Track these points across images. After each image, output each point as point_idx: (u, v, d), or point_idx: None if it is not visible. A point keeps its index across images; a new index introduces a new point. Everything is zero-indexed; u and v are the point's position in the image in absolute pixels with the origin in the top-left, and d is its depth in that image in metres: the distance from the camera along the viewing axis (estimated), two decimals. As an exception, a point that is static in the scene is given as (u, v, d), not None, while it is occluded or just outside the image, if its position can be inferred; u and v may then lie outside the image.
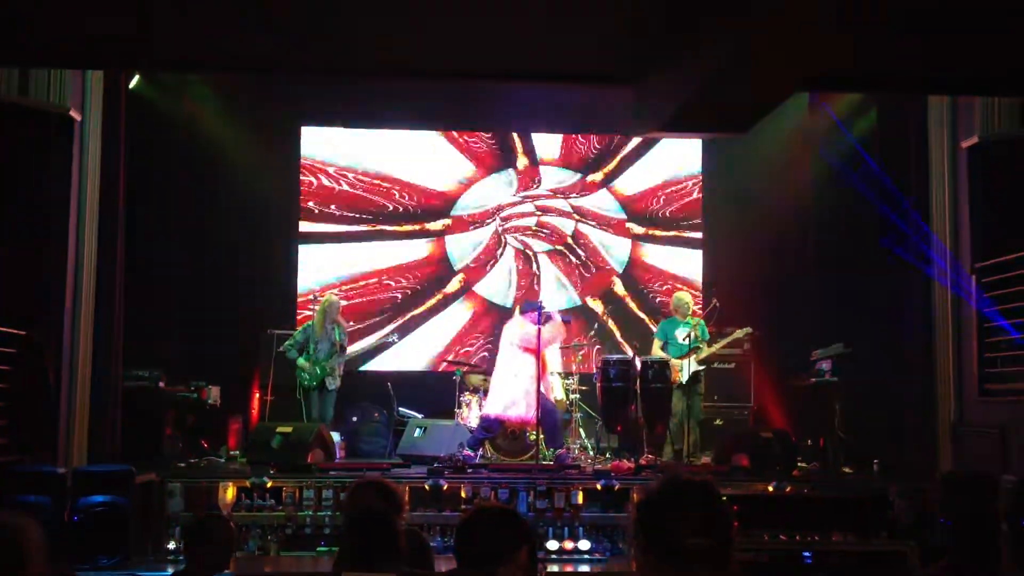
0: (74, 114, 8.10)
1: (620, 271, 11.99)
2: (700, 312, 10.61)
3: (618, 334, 11.68)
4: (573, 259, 11.99)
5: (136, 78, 9.16)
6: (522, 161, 12.09)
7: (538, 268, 11.95)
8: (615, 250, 12.05)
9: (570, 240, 11.99)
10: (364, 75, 7.25)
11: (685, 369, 9.75)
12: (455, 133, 11.98)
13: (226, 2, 4.40)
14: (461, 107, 11.35)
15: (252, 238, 11.17)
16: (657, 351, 10.03)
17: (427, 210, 11.92)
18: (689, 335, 9.71)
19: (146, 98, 9.58)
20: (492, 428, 9.17)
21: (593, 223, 12.02)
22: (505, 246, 11.95)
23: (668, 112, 4.68)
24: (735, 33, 3.90)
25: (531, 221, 12.01)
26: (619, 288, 12.01)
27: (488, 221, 11.98)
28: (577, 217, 12.02)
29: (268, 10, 4.44)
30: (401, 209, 11.88)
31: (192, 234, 10.67)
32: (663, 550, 2.18)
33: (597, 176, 12.08)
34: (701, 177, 12.06)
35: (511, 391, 8.92)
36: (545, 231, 12.02)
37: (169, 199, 10.28)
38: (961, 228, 8.71)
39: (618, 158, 12.11)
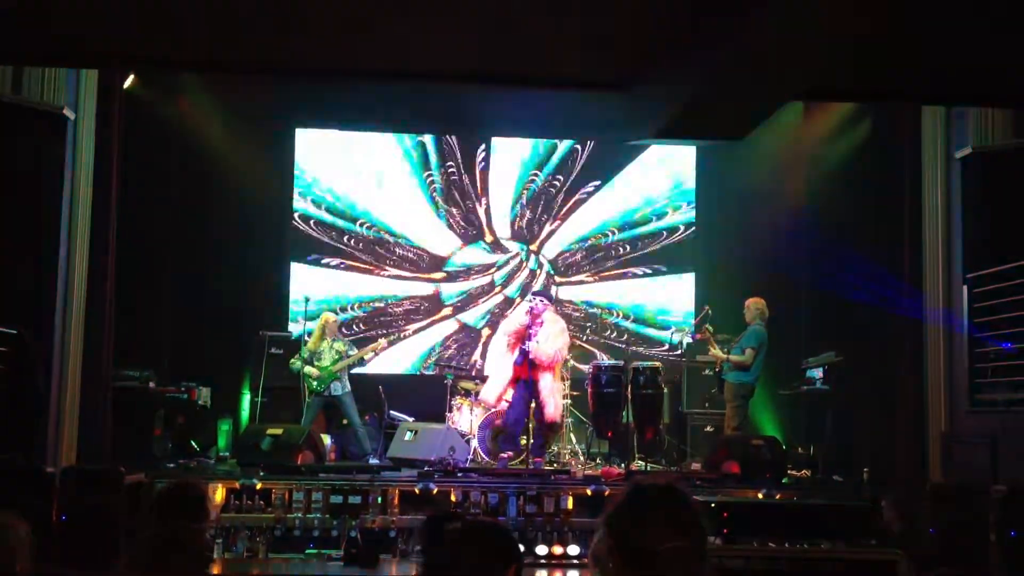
0: (68, 113, 8.08)
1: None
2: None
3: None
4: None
5: (131, 78, 9.11)
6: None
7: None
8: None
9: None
10: (357, 78, 7.22)
11: None
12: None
13: (217, 3, 4.40)
14: (452, 112, 11.30)
15: (245, 239, 11.13)
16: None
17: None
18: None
19: (140, 97, 9.52)
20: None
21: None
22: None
23: (664, 119, 4.68)
24: (732, 41, 3.91)
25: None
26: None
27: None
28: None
29: (260, 12, 4.44)
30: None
31: (184, 234, 10.62)
32: (637, 561, 2.14)
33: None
34: (694, 190, 12.09)
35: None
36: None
37: (162, 199, 10.23)
38: (954, 238, 8.74)
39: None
